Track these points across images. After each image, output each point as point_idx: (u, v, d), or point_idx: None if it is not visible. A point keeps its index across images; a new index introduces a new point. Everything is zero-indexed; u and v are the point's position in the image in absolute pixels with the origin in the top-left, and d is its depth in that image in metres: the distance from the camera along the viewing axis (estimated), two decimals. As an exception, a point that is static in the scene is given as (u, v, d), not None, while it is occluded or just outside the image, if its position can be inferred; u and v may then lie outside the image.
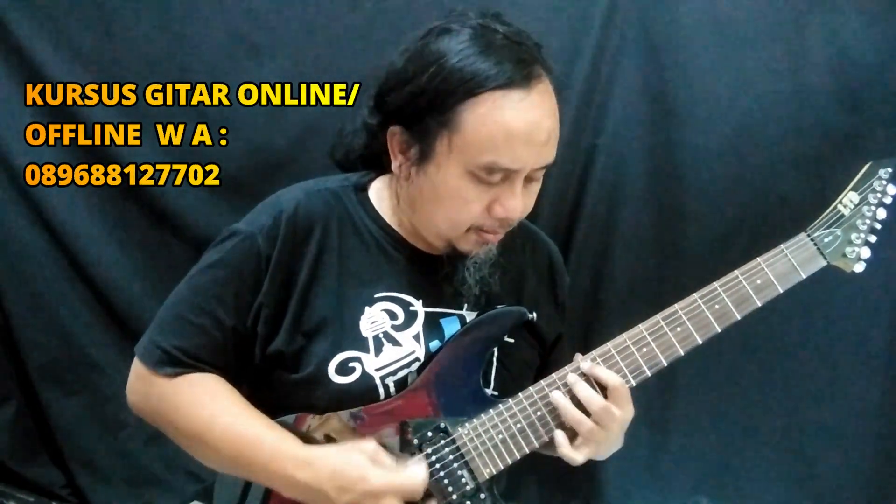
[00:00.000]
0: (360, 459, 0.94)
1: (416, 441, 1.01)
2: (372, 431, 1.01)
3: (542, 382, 1.04)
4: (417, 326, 1.05)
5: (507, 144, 0.92)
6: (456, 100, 0.92)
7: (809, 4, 1.58)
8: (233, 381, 1.04)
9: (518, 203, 0.97)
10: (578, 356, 1.06)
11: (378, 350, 1.02)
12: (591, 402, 0.99)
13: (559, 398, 1.01)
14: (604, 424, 1.00)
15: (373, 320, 1.03)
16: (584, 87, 1.63)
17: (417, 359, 1.04)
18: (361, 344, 1.02)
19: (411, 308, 1.05)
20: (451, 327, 1.07)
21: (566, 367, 1.04)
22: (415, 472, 0.96)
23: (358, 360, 1.01)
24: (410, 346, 1.04)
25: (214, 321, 1.01)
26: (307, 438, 1.00)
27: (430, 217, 1.02)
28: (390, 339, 1.03)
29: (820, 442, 1.68)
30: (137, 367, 1.05)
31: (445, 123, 0.93)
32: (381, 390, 1.02)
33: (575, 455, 1.01)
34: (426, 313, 1.06)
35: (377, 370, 1.01)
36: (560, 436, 1.01)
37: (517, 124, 0.92)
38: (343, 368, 1.01)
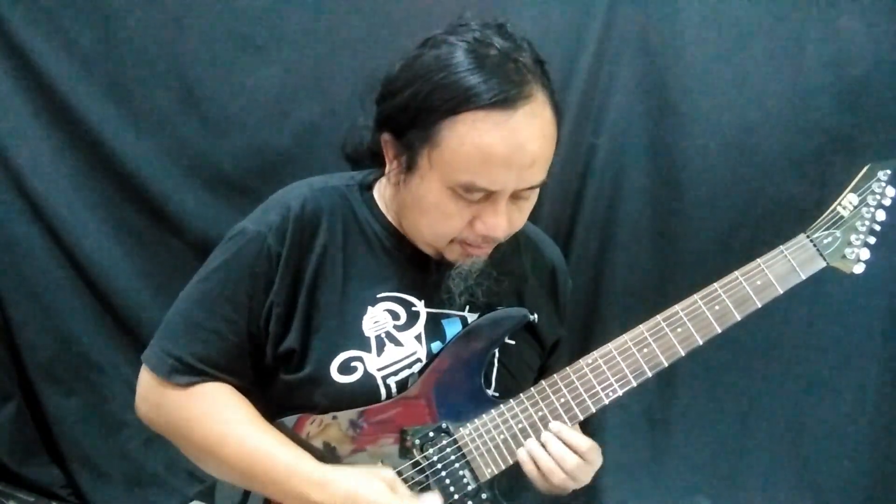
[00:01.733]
0: (378, 486, 0.93)
1: (417, 441, 1.01)
2: (371, 441, 1.01)
3: (544, 383, 1.04)
4: (419, 327, 1.05)
5: (484, 166, 0.91)
6: (437, 117, 0.91)
7: (809, 4, 1.58)
8: (247, 387, 1.03)
9: (501, 221, 0.96)
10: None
11: (380, 350, 1.02)
12: (564, 460, 1.00)
13: (533, 449, 1.01)
14: (575, 477, 1.01)
15: (375, 320, 1.03)
16: (584, 87, 1.62)
17: (419, 359, 1.04)
18: (363, 343, 1.01)
19: (413, 308, 1.05)
20: (452, 328, 1.07)
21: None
22: None
23: (360, 359, 1.01)
24: (412, 347, 1.04)
25: (229, 324, 1.00)
26: (306, 445, 1.00)
27: (415, 225, 1.02)
28: (392, 338, 1.03)
29: (820, 441, 1.68)
30: (147, 378, 1.02)
31: (427, 139, 0.93)
32: (383, 390, 1.02)
33: (535, 482, 1.02)
34: (428, 314, 1.06)
35: (379, 370, 1.01)
36: (524, 454, 1.01)
37: (496, 147, 0.90)
38: (345, 368, 1.00)
